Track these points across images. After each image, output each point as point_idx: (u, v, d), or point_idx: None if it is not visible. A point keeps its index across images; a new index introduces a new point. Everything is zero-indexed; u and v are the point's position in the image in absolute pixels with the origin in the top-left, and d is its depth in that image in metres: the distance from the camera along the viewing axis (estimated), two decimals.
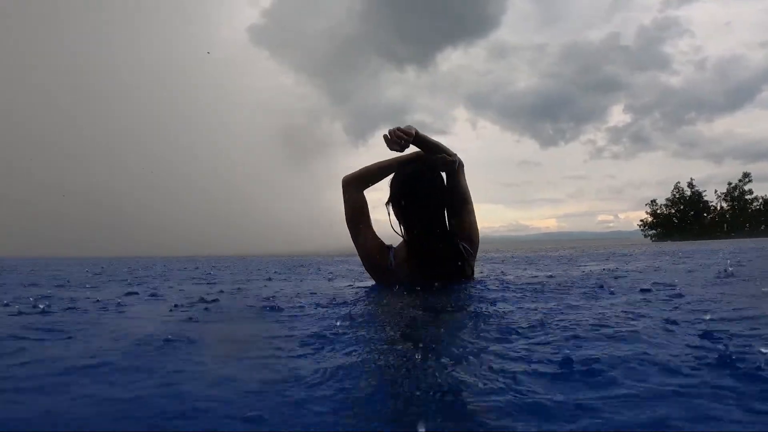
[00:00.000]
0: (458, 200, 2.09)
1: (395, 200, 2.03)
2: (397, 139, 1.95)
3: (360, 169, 2.16)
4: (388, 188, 2.09)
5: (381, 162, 2.14)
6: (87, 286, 3.12)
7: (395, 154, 2.04)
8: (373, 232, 2.12)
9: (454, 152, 2.08)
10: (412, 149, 2.07)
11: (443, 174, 2.10)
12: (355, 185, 2.13)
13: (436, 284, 1.94)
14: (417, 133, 1.98)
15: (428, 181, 2.03)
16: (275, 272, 4.83)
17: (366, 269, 2.19)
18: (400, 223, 2.06)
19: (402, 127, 1.98)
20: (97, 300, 2.05)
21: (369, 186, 2.16)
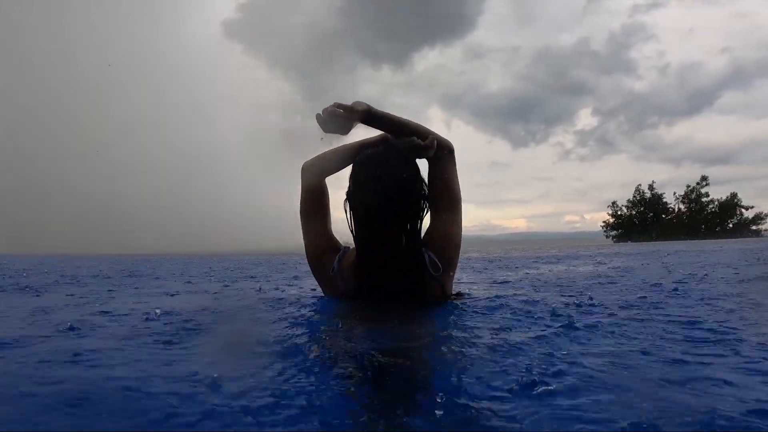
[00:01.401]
0: (438, 196, 1.67)
1: (349, 191, 1.62)
2: (329, 117, 1.54)
3: (321, 154, 1.78)
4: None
5: (347, 145, 1.75)
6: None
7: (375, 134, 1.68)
8: (326, 228, 1.78)
9: (435, 134, 1.65)
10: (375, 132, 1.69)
11: (420, 161, 1.68)
12: (315, 172, 1.78)
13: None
14: (370, 109, 1.57)
15: (389, 168, 1.57)
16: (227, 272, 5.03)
17: (317, 281, 1.84)
18: (353, 221, 1.63)
19: (344, 103, 1.56)
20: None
21: (330, 173, 1.81)
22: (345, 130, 1.58)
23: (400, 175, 1.57)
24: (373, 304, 1.62)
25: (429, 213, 1.67)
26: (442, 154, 1.67)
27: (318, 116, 1.55)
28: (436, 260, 1.62)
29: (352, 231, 1.64)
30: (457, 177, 1.70)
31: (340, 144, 1.72)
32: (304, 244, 1.80)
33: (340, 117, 1.53)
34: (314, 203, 1.79)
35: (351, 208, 1.62)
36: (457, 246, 1.69)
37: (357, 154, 1.69)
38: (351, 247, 1.73)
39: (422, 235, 1.66)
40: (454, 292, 1.84)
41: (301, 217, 1.81)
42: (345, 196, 1.64)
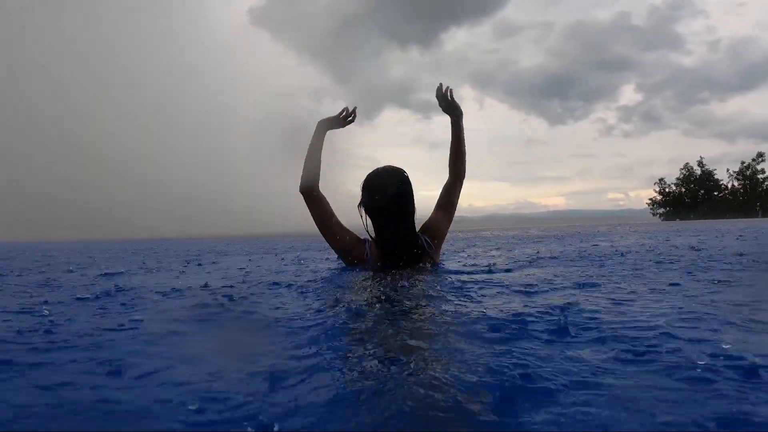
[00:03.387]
0: (444, 202, 2.40)
1: (364, 201, 2.15)
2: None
3: (304, 169, 2.25)
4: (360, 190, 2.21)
5: (311, 146, 2.27)
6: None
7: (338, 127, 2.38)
8: (344, 228, 2.25)
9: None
10: (333, 112, 2.34)
11: (406, 175, 2.23)
12: (310, 187, 2.24)
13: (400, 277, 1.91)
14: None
15: (393, 182, 2.13)
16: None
17: (344, 262, 2.35)
18: (368, 221, 2.17)
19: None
20: None
21: (318, 176, 2.25)
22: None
23: (399, 186, 2.15)
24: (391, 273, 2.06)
25: (434, 210, 2.39)
26: (459, 178, 2.44)
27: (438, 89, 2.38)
28: (429, 242, 2.25)
29: (366, 229, 2.19)
30: (459, 197, 2.43)
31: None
32: (332, 244, 2.29)
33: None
34: (324, 214, 2.24)
35: (366, 212, 2.16)
36: (444, 235, 2.38)
37: (320, 141, 2.28)
38: (370, 239, 2.24)
39: (419, 225, 2.27)
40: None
41: (319, 230, 2.27)
42: (359, 204, 2.18)
